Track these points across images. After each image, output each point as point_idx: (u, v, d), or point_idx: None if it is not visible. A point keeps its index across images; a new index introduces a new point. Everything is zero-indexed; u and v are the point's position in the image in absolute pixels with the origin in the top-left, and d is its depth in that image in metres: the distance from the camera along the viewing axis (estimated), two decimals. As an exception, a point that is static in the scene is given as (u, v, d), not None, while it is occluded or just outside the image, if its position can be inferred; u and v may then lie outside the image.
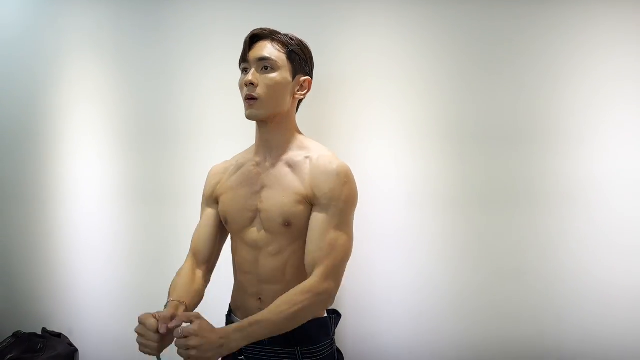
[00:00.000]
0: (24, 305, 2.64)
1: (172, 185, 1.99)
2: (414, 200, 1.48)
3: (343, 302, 1.58)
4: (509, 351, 1.37)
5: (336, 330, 1.39)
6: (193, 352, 0.98)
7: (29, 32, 2.48)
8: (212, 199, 1.41)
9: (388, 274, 1.53)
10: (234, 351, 1.05)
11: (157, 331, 1.04)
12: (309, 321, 1.26)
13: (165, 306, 1.18)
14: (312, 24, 1.57)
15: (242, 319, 1.33)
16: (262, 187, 1.29)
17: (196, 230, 1.41)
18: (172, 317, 1.07)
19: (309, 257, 1.20)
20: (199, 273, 1.34)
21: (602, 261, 1.29)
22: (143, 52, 2.03)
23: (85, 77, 2.25)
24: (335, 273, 1.18)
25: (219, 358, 1.02)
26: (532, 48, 1.33)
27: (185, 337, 1.00)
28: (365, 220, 1.51)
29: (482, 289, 1.40)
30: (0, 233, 2.75)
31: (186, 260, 1.38)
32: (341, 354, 1.39)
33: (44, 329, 2.45)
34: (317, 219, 1.21)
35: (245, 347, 1.28)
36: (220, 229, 1.40)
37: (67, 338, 2.41)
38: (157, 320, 1.06)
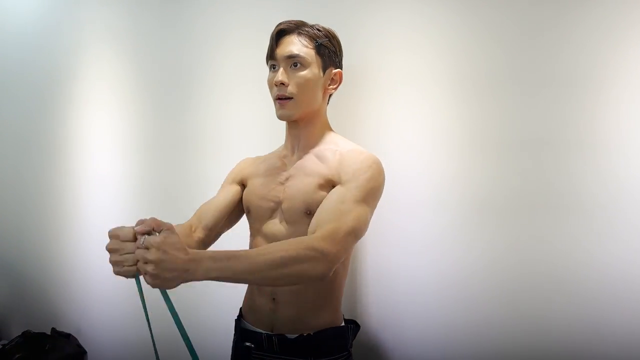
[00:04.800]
0: (34, 304, 2.62)
1: (188, 186, 1.93)
2: (443, 202, 1.37)
3: (364, 311, 1.49)
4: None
5: (355, 342, 1.30)
6: (150, 268, 0.80)
7: (47, 24, 2.48)
8: (235, 180, 1.36)
9: (413, 281, 1.42)
10: (198, 280, 0.86)
11: (134, 239, 0.85)
12: (324, 330, 1.20)
13: None
14: (339, 14, 1.51)
15: (253, 322, 1.26)
16: (287, 178, 1.24)
17: (207, 201, 1.34)
18: None
19: (313, 221, 1.09)
20: (196, 235, 1.25)
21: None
22: (162, 44, 2.00)
23: (103, 69, 2.23)
24: (338, 238, 1.01)
25: (180, 283, 0.83)
26: (579, 41, 1.22)
27: (147, 248, 0.82)
28: (390, 221, 1.43)
29: (515, 298, 1.29)
30: (13, 233, 2.75)
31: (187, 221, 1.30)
32: (358, 368, 1.29)
33: (53, 329, 2.43)
34: (335, 190, 1.14)
35: (255, 353, 1.22)
36: (233, 208, 1.32)
37: (76, 339, 2.38)
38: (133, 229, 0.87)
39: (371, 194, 1.13)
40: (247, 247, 1.33)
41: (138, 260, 0.83)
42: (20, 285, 2.72)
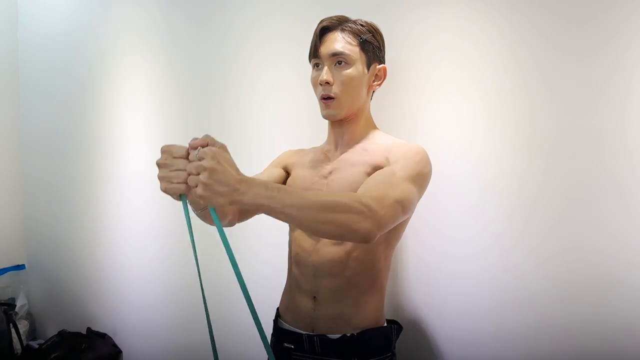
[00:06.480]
0: (70, 304, 2.64)
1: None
2: (488, 199, 1.30)
3: (406, 311, 1.43)
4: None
5: (396, 343, 1.24)
6: (203, 177, 0.78)
7: (81, 24, 2.49)
8: (280, 165, 1.33)
9: (456, 281, 1.36)
10: (246, 204, 0.83)
11: (187, 156, 0.84)
12: (368, 330, 1.15)
13: None
14: (377, 4, 1.45)
15: (292, 323, 1.22)
16: (330, 172, 1.21)
17: None
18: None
19: (361, 189, 1.04)
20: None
21: None
22: (196, 43, 1.97)
23: (137, 69, 2.22)
24: (386, 203, 0.96)
25: (228, 202, 0.81)
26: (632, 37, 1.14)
27: (200, 160, 0.80)
28: (432, 220, 1.37)
29: (566, 299, 1.20)
30: (48, 233, 2.77)
31: None
32: (402, 370, 1.24)
33: (88, 329, 2.44)
34: (382, 169, 1.10)
35: (295, 354, 1.18)
36: None
37: (112, 339, 2.38)
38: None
39: (420, 176, 1.09)
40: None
41: (188, 177, 0.82)
42: (56, 286, 2.74)
